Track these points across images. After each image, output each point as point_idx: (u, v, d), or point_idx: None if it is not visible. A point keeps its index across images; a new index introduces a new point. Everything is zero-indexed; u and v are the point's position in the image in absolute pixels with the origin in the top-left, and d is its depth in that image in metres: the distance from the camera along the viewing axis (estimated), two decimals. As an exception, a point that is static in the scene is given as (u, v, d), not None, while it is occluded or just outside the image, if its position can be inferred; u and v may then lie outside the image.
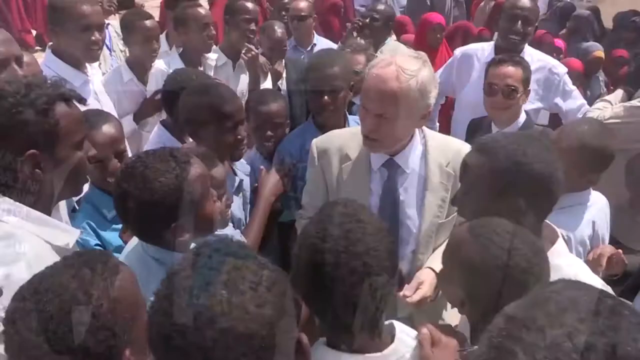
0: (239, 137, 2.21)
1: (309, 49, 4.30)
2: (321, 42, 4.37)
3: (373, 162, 2.01)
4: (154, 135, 2.67)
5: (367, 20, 4.14)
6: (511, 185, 1.45)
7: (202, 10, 3.46)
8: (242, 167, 2.48)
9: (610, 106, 3.13)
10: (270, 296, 0.88)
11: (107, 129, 2.04)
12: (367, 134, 1.91)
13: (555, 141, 2.14)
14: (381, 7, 4.19)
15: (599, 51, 5.06)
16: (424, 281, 1.81)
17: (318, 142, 2.14)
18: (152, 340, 0.89)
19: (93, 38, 2.65)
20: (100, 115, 2.10)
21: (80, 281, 1.04)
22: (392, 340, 1.24)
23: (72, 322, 0.99)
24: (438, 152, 2.00)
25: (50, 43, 2.87)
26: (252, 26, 3.53)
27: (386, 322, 1.28)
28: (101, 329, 1.01)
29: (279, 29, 3.79)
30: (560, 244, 1.55)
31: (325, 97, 2.45)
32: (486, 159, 1.49)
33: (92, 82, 2.85)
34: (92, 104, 2.72)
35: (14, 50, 1.80)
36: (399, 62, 1.83)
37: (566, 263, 1.51)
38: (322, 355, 1.20)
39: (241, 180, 2.39)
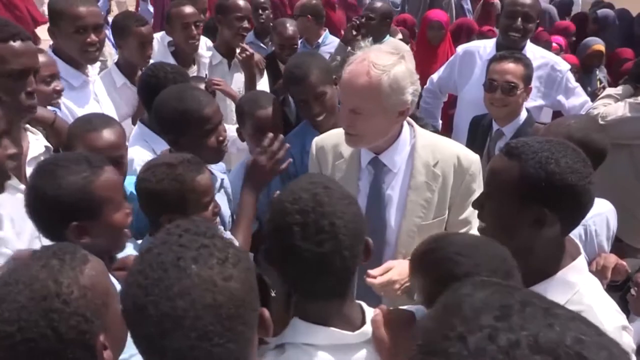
0: (220, 138, 2.19)
1: (314, 46, 4.29)
2: (329, 39, 4.35)
3: (362, 160, 2.02)
4: (135, 135, 2.59)
5: (364, 20, 4.11)
6: (539, 194, 1.38)
7: (186, 9, 3.40)
8: (217, 167, 2.44)
9: (615, 102, 3.10)
10: (236, 271, 0.95)
11: (107, 134, 2.04)
12: (345, 129, 1.93)
13: (542, 136, 2.11)
14: (378, 4, 4.16)
15: (597, 45, 5.01)
16: (394, 267, 1.78)
17: (317, 140, 2.18)
18: (126, 311, 0.95)
19: (89, 40, 2.63)
20: (103, 120, 2.10)
21: (49, 271, 1.07)
22: (363, 322, 1.29)
23: (43, 310, 1.02)
24: (426, 151, 1.97)
25: (51, 43, 2.86)
26: (245, 24, 3.52)
27: (357, 302, 1.34)
28: (73, 315, 1.04)
29: (290, 27, 3.77)
30: (581, 260, 1.50)
31: (315, 108, 2.43)
32: (515, 164, 1.42)
33: (93, 84, 2.84)
34: (92, 105, 2.73)
35: (34, 64, 1.84)
36: (372, 58, 1.83)
37: (583, 281, 1.48)
38: (296, 328, 1.26)
39: (222, 180, 2.36)
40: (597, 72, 5.05)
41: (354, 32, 3.93)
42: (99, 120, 2.06)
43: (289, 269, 1.24)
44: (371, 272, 1.76)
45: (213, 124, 2.15)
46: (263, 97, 2.62)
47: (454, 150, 2.00)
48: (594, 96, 4.18)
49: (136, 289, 0.93)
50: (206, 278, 0.92)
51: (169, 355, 0.91)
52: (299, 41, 4.19)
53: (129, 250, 1.78)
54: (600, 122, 3.00)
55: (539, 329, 0.59)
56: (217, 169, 2.40)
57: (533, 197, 1.39)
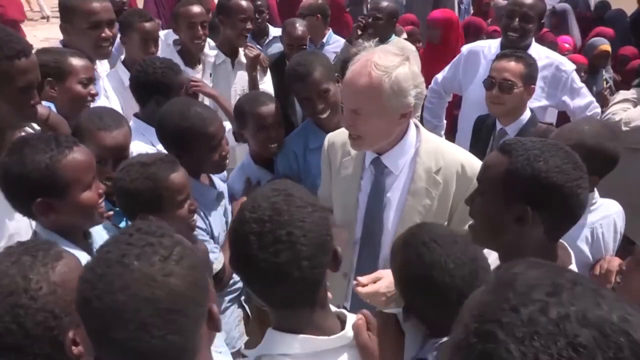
0: (223, 153, 2.25)
1: (318, 46, 4.33)
2: (333, 39, 4.38)
3: (367, 159, 2.02)
4: (132, 130, 2.59)
5: (370, 20, 4.12)
6: (523, 191, 1.38)
7: (193, 8, 3.43)
8: (219, 174, 2.48)
9: (634, 106, 3.08)
10: (178, 268, 1.00)
11: (117, 134, 2.10)
12: (347, 129, 1.93)
13: (553, 139, 2.12)
14: (384, 4, 4.17)
15: (604, 45, 4.99)
16: (383, 278, 1.76)
17: (329, 136, 2.19)
18: (77, 305, 1.01)
19: (103, 35, 2.68)
20: (114, 119, 2.16)
21: (19, 267, 1.10)
22: (343, 327, 1.28)
23: (9, 305, 1.05)
24: (430, 156, 1.95)
25: (61, 39, 2.90)
26: (248, 25, 3.55)
27: (336, 309, 1.33)
28: (40, 311, 1.07)
29: (299, 27, 3.80)
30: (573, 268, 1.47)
31: (318, 105, 2.45)
32: (505, 160, 1.42)
33: (102, 79, 2.88)
34: (101, 101, 2.76)
35: (37, 78, 1.89)
36: (375, 58, 1.82)
37: None
38: (271, 339, 1.26)
39: (220, 192, 2.38)
40: (603, 72, 5.04)
41: (360, 32, 3.97)
42: (109, 119, 2.11)
43: (250, 280, 1.23)
44: (361, 279, 1.75)
45: (217, 140, 2.19)
46: (263, 95, 2.70)
47: (459, 158, 1.97)
48: (600, 96, 4.18)
49: (84, 284, 0.99)
50: (146, 273, 0.97)
51: (113, 346, 0.97)
52: None
53: (99, 230, 1.83)
54: (624, 128, 2.97)
55: (587, 306, 0.65)
56: (218, 176, 2.43)
57: (517, 194, 1.38)
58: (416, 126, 2.00)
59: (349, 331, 1.27)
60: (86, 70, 2.39)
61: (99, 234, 1.81)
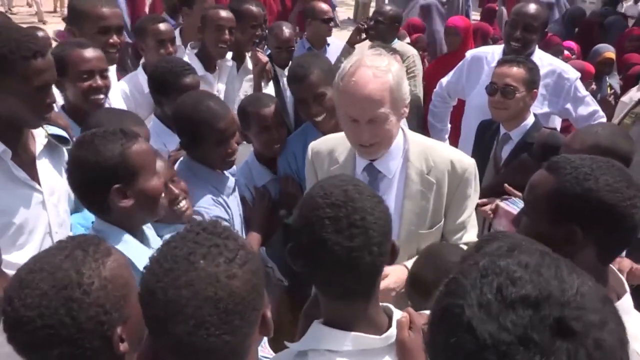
0: (230, 150, 2.30)
1: (322, 49, 4.36)
2: (334, 43, 4.41)
3: (357, 167, 2.03)
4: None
5: (372, 22, 4.15)
6: (572, 211, 1.32)
7: (223, 12, 3.46)
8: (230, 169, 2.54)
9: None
10: (240, 271, 1.05)
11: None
12: (364, 142, 1.87)
13: (568, 143, 2.15)
14: (387, 8, 4.21)
15: (608, 52, 5.00)
16: (391, 274, 1.82)
17: (313, 145, 2.19)
18: (141, 294, 1.08)
19: (111, 41, 2.73)
20: (134, 121, 2.23)
21: (72, 261, 1.13)
22: (390, 324, 1.31)
23: (64, 298, 1.08)
24: (419, 158, 1.97)
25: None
26: (258, 31, 3.59)
27: (383, 304, 1.36)
28: (92, 305, 1.10)
29: (286, 29, 3.85)
30: (627, 299, 1.38)
31: (313, 108, 2.47)
32: (552, 179, 1.38)
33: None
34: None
35: (53, 77, 1.93)
36: (370, 62, 1.82)
37: (631, 322, 1.35)
38: (319, 334, 1.27)
39: (235, 181, 2.47)
40: (607, 78, 5.04)
41: (361, 35, 3.99)
42: (129, 121, 2.16)
43: (316, 266, 1.24)
44: None
45: (225, 135, 2.26)
46: (265, 97, 2.76)
47: (447, 156, 1.99)
48: (604, 102, 4.19)
49: (150, 275, 1.06)
50: (211, 273, 1.03)
51: (170, 338, 1.03)
52: (307, 47, 4.27)
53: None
54: None
55: (532, 259, 0.80)
56: (230, 171, 2.49)
57: (566, 214, 1.33)
58: (401, 129, 2.02)
59: (394, 329, 1.29)
60: (86, 62, 2.34)
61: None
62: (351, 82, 1.81)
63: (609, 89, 4.94)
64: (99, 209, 1.70)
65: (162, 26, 3.26)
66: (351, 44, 4.01)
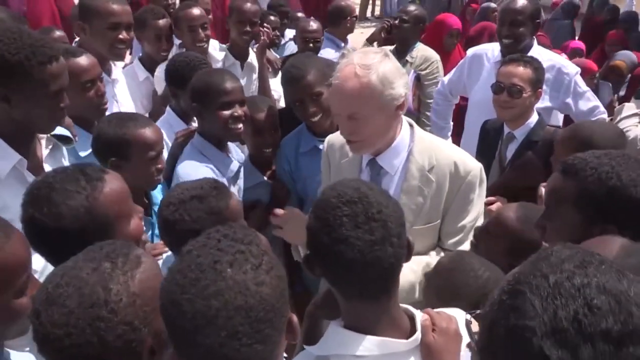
0: (235, 114, 2.36)
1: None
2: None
3: (363, 160, 2.08)
4: (162, 119, 2.80)
5: (397, 22, 4.15)
6: (603, 212, 1.33)
7: (193, 11, 3.50)
8: (237, 155, 2.58)
9: None
10: (268, 277, 1.03)
11: (156, 129, 2.19)
12: (347, 137, 1.95)
13: (564, 137, 2.22)
14: (412, 8, 4.17)
15: (618, 61, 4.95)
16: None
17: (329, 138, 2.25)
18: (163, 307, 1.03)
19: (121, 37, 2.78)
20: (145, 119, 2.26)
21: (100, 275, 1.10)
22: (412, 327, 1.31)
23: (91, 318, 1.06)
24: (423, 155, 1.99)
25: (77, 39, 2.94)
26: (248, 27, 3.59)
27: (403, 305, 1.36)
28: (119, 324, 1.07)
29: (313, 22, 3.92)
30: None
31: (310, 108, 2.49)
32: (573, 183, 1.37)
33: (114, 84, 2.94)
34: (111, 106, 2.80)
35: (67, 81, 1.95)
36: (356, 60, 1.87)
37: None
38: (342, 338, 1.27)
39: (239, 167, 2.51)
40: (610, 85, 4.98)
41: (384, 34, 4.00)
42: (142, 118, 2.22)
43: (338, 266, 1.24)
44: None
45: (230, 98, 2.35)
46: (260, 101, 2.77)
47: (452, 156, 2.00)
48: (609, 109, 4.15)
49: (174, 287, 1.02)
50: (240, 282, 1.00)
51: (199, 349, 0.99)
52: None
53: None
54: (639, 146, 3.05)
55: (609, 279, 0.75)
56: (236, 157, 2.56)
57: (597, 215, 1.34)
58: (410, 125, 2.05)
59: (419, 332, 1.29)
60: (87, 72, 2.36)
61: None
62: (337, 78, 1.89)
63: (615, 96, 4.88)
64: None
65: (162, 22, 3.33)
66: (371, 41, 4.02)
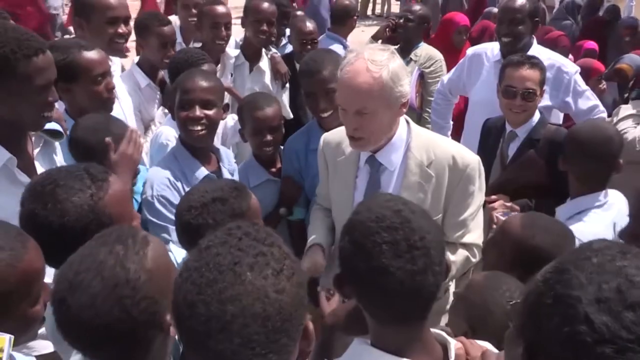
0: (191, 115, 2.30)
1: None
2: None
3: (361, 158, 2.10)
4: (169, 118, 2.79)
5: (401, 21, 4.15)
6: None
7: (218, 9, 3.49)
8: (228, 165, 2.55)
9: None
10: (288, 285, 0.98)
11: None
12: (351, 133, 1.95)
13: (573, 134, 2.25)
14: (417, 7, 4.19)
15: (625, 64, 4.85)
16: None
17: (325, 136, 2.27)
18: (176, 304, 0.99)
19: (120, 31, 2.78)
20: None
21: (115, 257, 1.14)
22: (445, 355, 1.25)
23: (116, 297, 1.11)
24: (421, 150, 2.01)
25: (73, 36, 2.92)
26: (265, 27, 3.58)
27: (434, 330, 1.30)
28: (143, 299, 1.13)
29: (309, 23, 3.92)
30: None
31: (322, 103, 2.50)
32: None
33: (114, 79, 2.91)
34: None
35: (54, 75, 1.92)
36: (367, 56, 1.87)
37: None
38: (369, 355, 1.22)
39: (207, 175, 2.41)
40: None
41: (387, 32, 3.99)
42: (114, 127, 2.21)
43: (375, 292, 1.20)
44: None
45: (190, 99, 2.31)
46: (262, 99, 2.74)
47: (450, 150, 2.02)
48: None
49: (190, 285, 0.97)
50: (259, 287, 0.95)
51: (210, 354, 0.95)
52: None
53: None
54: (638, 147, 3.06)
55: None
56: (227, 167, 2.53)
57: None
58: (407, 122, 2.07)
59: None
60: (99, 65, 2.34)
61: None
62: (345, 72, 1.89)
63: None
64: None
65: (167, 29, 3.27)
66: (376, 38, 4.01)
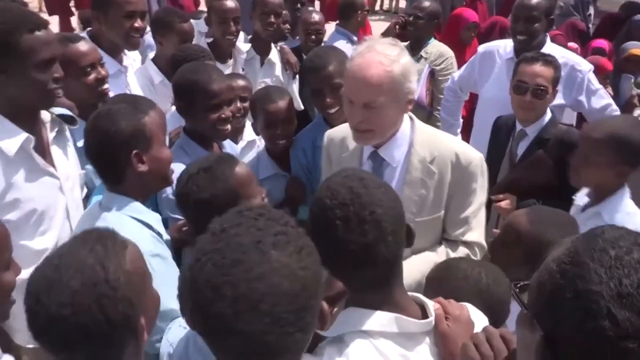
0: (222, 116, 2.37)
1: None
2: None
3: (364, 154, 2.10)
4: (172, 113, 2.82)
5: (412, 18, 4.16)
6: None
7: (227, 3, 3.53)
8: (232, 151, 2.58)
9: None
10: (310, 262, 1.00)
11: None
12: (357, 126, 1.94)
13: (587, 132, 2.23)
14: (426, 4, 4.19)
15: (635, 49, 4.77)
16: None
17: (328, 133, 2.28)
18: (197, 290, 0.97)
19: (136, 25, 2.83)
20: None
21: (96, 256, 1.13)
22: (424, 314, 1.32)
23: (95, 296, 1.08)
24: (424, 147, 2.01)
25: (89, 28, 2.96)
26: (272, 19, 3.61)
27: (412, 294, 1.36)
28: (120, 300, 1.10)
29: (315, 14, 3.95)
30: None
31: (328, 99, 2.50)
32: None
33: (127, 73, 2.97)
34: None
35: (59, 50, 2.00)
36: (379, 49, 1.88)
37: None
38: (353, 316, 1.27)
39: None
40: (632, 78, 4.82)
41: (398, 29, 3.99)
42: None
43: (335, 263, 1.26)
44: None
45: (217, 100, 2.35)
46: (274, 92, 2.76)
47: (453, 147, 2.02)
48: (630, 106, 4.18)
49: (211, 268, 0.95)
50: (285, 265, 0.95)
51: (238, 338, 0.94)
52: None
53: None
54: None
55: None
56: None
57: None
58: (410, 118, 2.07)
59: (433, 317, 1.30)
60: (87, 56, 2.40)
61: None
62: (356, 64, 1.89)
63: (631, 88, 4.71)
64: (114, 175, 1.82)
65: (187, 26, 3.31)
66: (385, 36, 4.01)
